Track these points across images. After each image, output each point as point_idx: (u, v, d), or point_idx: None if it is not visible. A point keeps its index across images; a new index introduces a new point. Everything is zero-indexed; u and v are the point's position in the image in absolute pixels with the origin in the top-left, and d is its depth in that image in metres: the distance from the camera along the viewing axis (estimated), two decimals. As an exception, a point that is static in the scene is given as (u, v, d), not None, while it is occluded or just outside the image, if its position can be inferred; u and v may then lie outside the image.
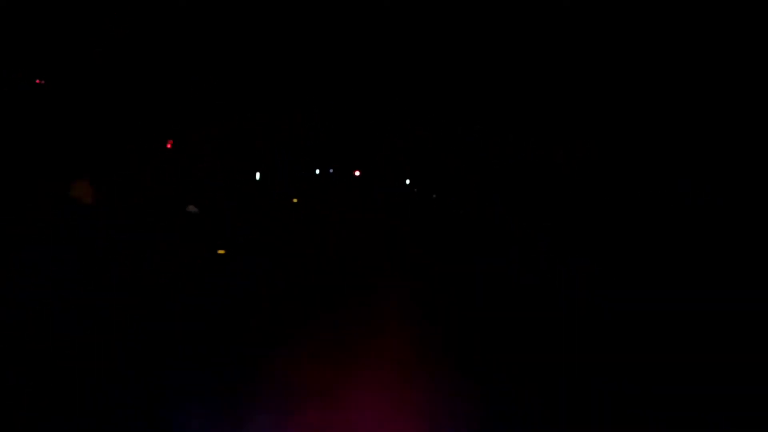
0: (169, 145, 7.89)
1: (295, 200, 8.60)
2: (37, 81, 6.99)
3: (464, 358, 4.81)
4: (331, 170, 8.83)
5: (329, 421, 3.69)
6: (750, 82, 7.60)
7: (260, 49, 8.14)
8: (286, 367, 4.41)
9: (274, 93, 8.25)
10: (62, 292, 5.73)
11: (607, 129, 8.04)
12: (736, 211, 7.61)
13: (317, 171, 8.67)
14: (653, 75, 7.85)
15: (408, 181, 8.45)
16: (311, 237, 9.06)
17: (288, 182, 8.91)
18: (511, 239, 8.64)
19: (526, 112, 8.08)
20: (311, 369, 4.39)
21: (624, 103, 7.97)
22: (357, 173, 8.77)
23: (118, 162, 8.24)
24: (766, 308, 6.02)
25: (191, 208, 6.76)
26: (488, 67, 7.99)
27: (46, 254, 6.80)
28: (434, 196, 8.66)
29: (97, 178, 8.01)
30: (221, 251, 7.09)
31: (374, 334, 5.20)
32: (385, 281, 7.07)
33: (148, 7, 7.84)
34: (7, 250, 6.61)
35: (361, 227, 9.30)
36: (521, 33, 7.85)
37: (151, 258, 7.20)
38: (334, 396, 3.99)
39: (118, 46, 7.87)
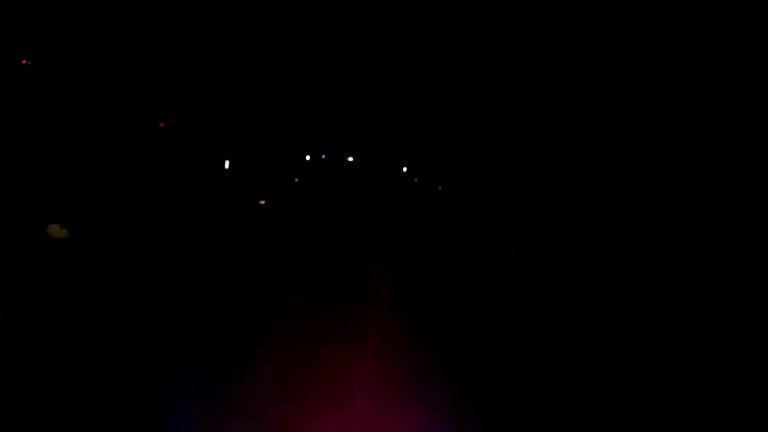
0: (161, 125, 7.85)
1: (262, 202, 8.13)
2: (24, 62, 6.97)
3: (464, 358, 4.80)
4: (324, 156, 8.62)
5: (328, 420, 3.69)
6: (750, 82, 7.60)
7: (260, 48, 8.14)
8: (285, 367, 4.41)
9: (268, 84, 8.21)
10: (62, 292, 5.73)
11: (607, 129, 8.04)
12: (736, 211, 7.61)
13: (307, 157, 8.44)
14: (653, 75, 7.85)
15: (405, 169, 8.27)
16: (311, 237, 9.05)
17: (273, 173, 8.60)
18: (511, 239, 8.63)
19: (526, 112, 8.08)
20: (311, 369, 4.39)
21: (624, 103, 7.96)
22: (350, 159, 8.59)
23: (118, 162, 8.24)
24: (766, 308, 6.02)
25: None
26: (488, 67, 7.99)
27: (46, 254, 6.80)
28: (440, 188, 8.52)
29: (97, 178, 8.01)
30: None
31: (374, 334, 5.20)
32: (385, 281, 7.06)
33: (149, 7, 7.84)
34: (7, 250, 6.61)
35: (361, 226, 9.29)
36: (521, 33, 7.85)
37: (151, 258, 7.20)
38: (333, 396, 3.99)
39: (119, 46, 7.86)
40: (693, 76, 7.78)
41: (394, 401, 3.97)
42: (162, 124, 7.68)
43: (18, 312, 5.15)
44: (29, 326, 4.88)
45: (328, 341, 4.95)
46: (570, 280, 7.30)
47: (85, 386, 3.93)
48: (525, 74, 7.98)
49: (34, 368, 4.12)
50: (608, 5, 7.73)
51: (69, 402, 3.73)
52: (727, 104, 7.70)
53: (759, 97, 7.58)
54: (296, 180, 8.79)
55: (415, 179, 8.58)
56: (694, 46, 7.70)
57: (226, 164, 7.81)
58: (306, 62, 8.16)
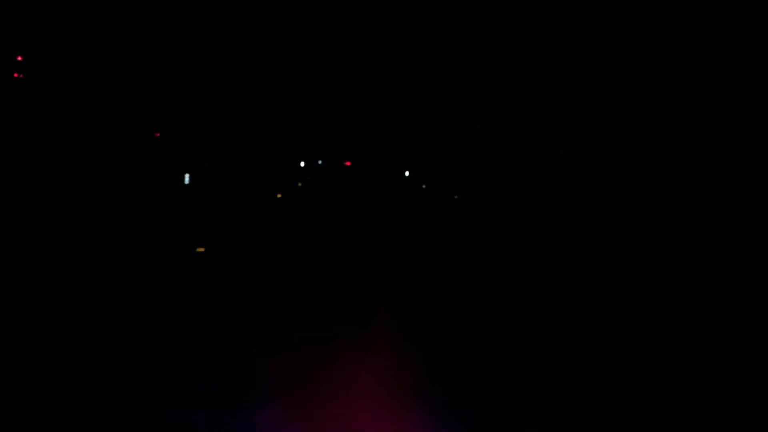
0: (157, 135, 7.83)
1: (201, 249, 7.62)
2: (15, 75, 6.99)
3: (464, 359, 4.80)
4: (320, 161, 8.41)
5: (330, 421, 3.69)
6: (750, 82, 7.60)
7: (260, 48, 8.14)
8: (285, 367, 4.41)
9: (269, 91, 8.18)
10: (62, 292, 5.73)
11: (607, 129, 8.04)
12: (736, 211, 7.61)
13: (302, 164, 8.25)
14: (653, 75, 7.86)
15: (407, 173, 8.13)
16: (311, 237, 9.05)
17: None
18: (511, 239, 8.63)
19: (526, 112, 8.09)
20: (311, 369, 4.39)
21: (624, 103, 7.97)
22: (348, 164, 8.40)
23: (118, 162, 8.25)
24: (766, 308, 6.02)
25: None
26: (488, 66, 8.00)
27: (46, 254, 6.80)
28: (456, 197, 8.41)
29: (97, 178, 8.02)
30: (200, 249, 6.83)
31: (374, 335, 5.20)
32: (384, 281, 7.06)
33: (148, 7, 7.84)
34: (7, 250, 6.61)
35: (361, 226, 9.29)
36: (521, 32, 7.86)
37: (151, 258, 7.20)
38: (332, 396, 3.99)
39: (118, 45, 7.87)
40: (693, 76, 7.78)
41: (395, 401, 3.96)
42: (158, 134, 7.63)
43: (18, 312, 5.15)
44: (29, 326, 4.88)
45: (328, 341, 4.95)
46: (570, 280, 7.29)
47: (85, 386, 3.93)
48: (524, 74, 7.98)
49: (34, 368, 4.12)
50: (608, 5, 7.73)
51: (69, 402, 3.73)
52: (727, 104, 7.70)
53: (759, 97, 7.58)
54: (298, 176, 8.62)
55: (423, 186, 8.38)
56: (693, 47, 7.70)
57: (186, 179, 7.54)
58: (306, 62, 8.15)
